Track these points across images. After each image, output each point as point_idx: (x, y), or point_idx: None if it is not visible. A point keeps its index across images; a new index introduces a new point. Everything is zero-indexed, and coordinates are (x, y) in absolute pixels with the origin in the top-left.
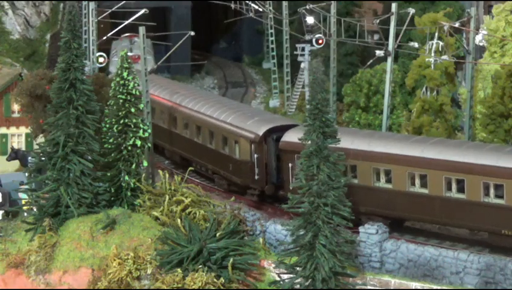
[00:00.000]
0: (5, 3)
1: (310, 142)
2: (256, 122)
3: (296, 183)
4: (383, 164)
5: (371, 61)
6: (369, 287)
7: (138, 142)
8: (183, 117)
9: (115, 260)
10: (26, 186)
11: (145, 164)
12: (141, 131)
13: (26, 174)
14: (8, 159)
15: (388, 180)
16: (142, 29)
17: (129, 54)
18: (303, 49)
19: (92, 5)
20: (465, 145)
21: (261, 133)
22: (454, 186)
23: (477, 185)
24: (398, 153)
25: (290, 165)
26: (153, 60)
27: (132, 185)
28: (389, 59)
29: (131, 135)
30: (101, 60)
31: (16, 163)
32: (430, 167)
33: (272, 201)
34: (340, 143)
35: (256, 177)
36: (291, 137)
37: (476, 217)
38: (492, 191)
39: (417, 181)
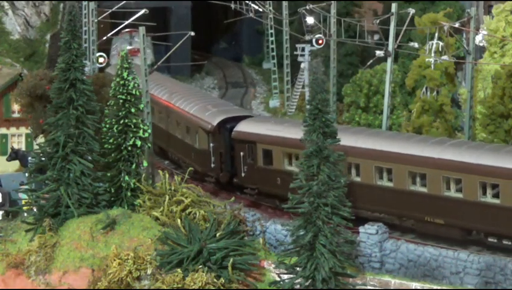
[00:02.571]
0: (5, 4)
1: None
2: (213, 113)
3: (296, 184)
4: None
5: (371, 61)
6: (369, 288)
7: (138, 143)
8: (159, 109)
9: (115, 260)
10: (26, 187)
11: (145, 164)
12: (141, 131)
13: (26, 174)
14: (8, 159)
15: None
16: (142, 30)
17: (128, 47)
18: (303, 49)
19: (92, 5)
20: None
21: (215, 123)
22: (385, 175)
23: (403, 174)
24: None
25: (241, 154)
26: (151, 53)
27: (132, 185)
28: (389, 59)
29: (131, 135)
30: (101, 60)
31: (16, 163)
32: (363, 157)
33: (230, 188)
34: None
35: (212, 165)
36: (244, 127)
37: (403, 205)
38: (418, 180)
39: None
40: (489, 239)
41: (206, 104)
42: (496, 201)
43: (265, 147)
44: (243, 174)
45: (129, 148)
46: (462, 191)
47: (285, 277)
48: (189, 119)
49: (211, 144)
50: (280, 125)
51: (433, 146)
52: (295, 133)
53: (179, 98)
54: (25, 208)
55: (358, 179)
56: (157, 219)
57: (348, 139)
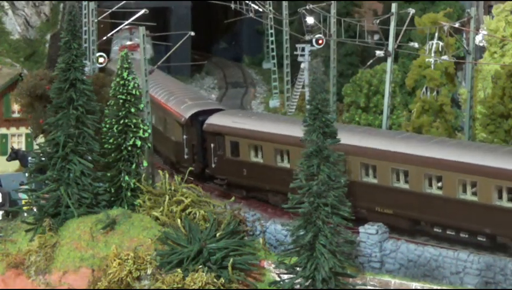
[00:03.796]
0: (5, 4)
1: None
2: (188, 106)
3: (296, 184)
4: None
5: (371, 61)
6: (369, 288)
7: (138, 143)
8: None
9: (115, 260)
10: (26, 187)
11: (145, 164)
12: (141, 131)
13: (26, 174)
14: (8, 159)
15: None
16: (142, 30)
17: (128, 42)
18: (303, 49)
19: (92, 5)
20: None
21: (187, 116)
22: None
23: (356, 166)
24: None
25: (212, 145)
26: (151, 48)
27: (132, 185)
28: (389, 59)
29: (131, 135)
30: (101, 60)
31: (16, 163)
32: None
33: (203, 179)
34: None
35: (185, 156)
36: (214, 120)
37: (357, 196)
38: (370, 171)
39: None
40: (435, 229)
41: (185, 97)
42: (439, 192)
43: (232, 139)
44: (213, 165)
45: (129, 148)
46: (408, 183)
47: (285, 277)
48: (167, 112)
49: (184, 136)
50: (247, 118)
51: (383, 138)
52: (260, 125)
53: (162, 91)
54: (25, 208)
55: None
56: (157, 219)
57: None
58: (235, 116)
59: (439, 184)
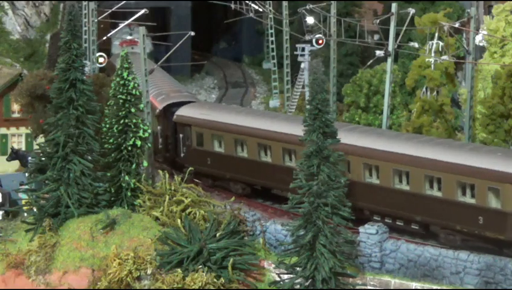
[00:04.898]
0: (5, 4)
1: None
2: (163, 98)
3: (296, 184)
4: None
5: (371, 61)
6: (369, 288)
7: (138, 143)
8: None
9: (115, 260)
10: (26, 187)
11: (145, 164)
12: (141, 131)
13: (26, 174)
14: (8, 159)
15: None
16: (142, 30)
17: (128, 37)
18: (303, 49)
19: (92, 5)
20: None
21: (161, 107)
22: (287, 157)
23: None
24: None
25: (181, 136)
26: (150, 43)
27: (132, 185)
28: (389, 59)
29: (131, 135)
30: (101, 60)
31: (16, 163)
32: (273, 139)
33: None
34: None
35: (159, 146)
36: (183, 111)
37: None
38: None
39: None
40: (375, 217)
41: (164, 90)
42: (377, 182)
43: (198, 130)
44: (182, 155)
45: (129, 148)
46: (350, 173)
47: (285, 277)
48: (152, 105)
49: (159, 127)
50: (212, 110)
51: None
52: (222, 117)
53: (152, 85)
54: (25, 208)
55: (267, 159)
56: (157, 219)
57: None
58: (202, 108)
59: (377, 174)
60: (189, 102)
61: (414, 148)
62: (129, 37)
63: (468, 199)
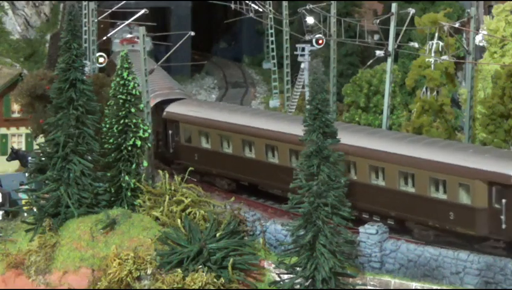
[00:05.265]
0: (5, 4)
1: None
2: (156, 95)
3: (296, 184)
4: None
5: (371, 61)
6: (369, 288)
7: (138, 143)
8: None
9: (115, 260)
10: (26, 187)
11: (145, 164)
12: (141, 131)
13: (26, 174)
14: (8, 159)
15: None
16: (142, 30)
17: (128, 35)
18: (303, 49)
19: (92, 5)
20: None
21: (152, 104)
22: (269, 153)
23: (284, 152)
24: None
25: (170, 132)
26: (150, 41)
27: (132, 185)
28: (389, 59)
29: (131, 135)
30: (101, 60)
31: (16, 163)
32: (256, 135)
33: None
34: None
35: (152, 142)
36: (172, 108)
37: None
38: (294, 157)
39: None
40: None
41: (157, 86)
42: (354, 178)
43: (186, 126)
44: (171, 151)
45: (129, 148)
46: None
47: (285, 277)
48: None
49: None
50: (200, 107)
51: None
52: (209, 114)
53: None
54: (25, 208)
55: (251, 155)
56: (157, 219)
57: (239, 119)
58: (191, 105)
59: (355, 171)
60: (180, 99)
61: (389, 144)
62: (129, 35)
63: (440, 195)
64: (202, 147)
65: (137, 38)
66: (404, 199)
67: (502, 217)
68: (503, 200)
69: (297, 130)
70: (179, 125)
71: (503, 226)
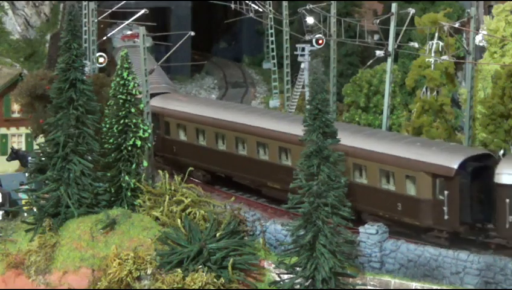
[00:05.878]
0: (5, 4)
1: None
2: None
3: (296, 184)
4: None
5: (371, 61)
6: (369, 288)
7: (138, 143)
8: None
9: (115, 260)
10: (26, 187)
11: (145, 164)
12: (141, 131)
13: (26, 174)
14: (8, 159)
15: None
16: (142, 30)
17: (128, 32)
18: (303, 49)
19: (92, 5)
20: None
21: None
22: (240, 146)
23: (253, 145)
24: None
25: (152, 125)
26: (150, 38)
27: (132, 185)
28: (389, 59)
29: (131, 135)
30: (101, 60)
31: (16, 163)
32: (227, 128)
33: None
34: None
35: None
36: (156, 102)
37: (255, 172)
38: (262, 150)
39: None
40: None
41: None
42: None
43: (166, 119)
44: (153, 143)
45: (129, 148)
46: (290, 160)
47: (285, 277)
48: None
49: None
50: (180, 101)
51: (270, 118)
52: (186, 107)
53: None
54: (25, 208)
55: (223, 148)
56: (157, 219)
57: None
58: (172, 99)
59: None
60: (164, 93)
61: (347, 139)
62: (129, 32)
63: (390, 187)
64: (180, 140)
65: (137, 34)
66: (359, 190)
67: (445, 208)
68: (446, 192)
69: (263, 123)
70: (159, 119)
71: (446, 217)
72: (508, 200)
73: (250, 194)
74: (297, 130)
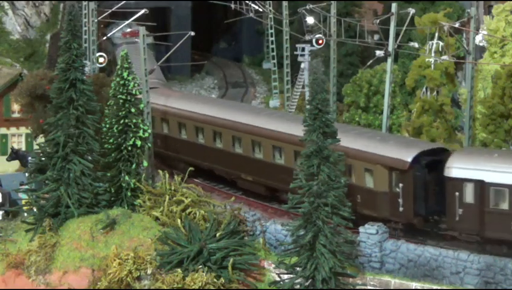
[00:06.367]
0: (5, 4)
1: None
2: None
3: (296, 184)
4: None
5: (371, 61)
6: (369, 288)
7: (138, 143)
8: None
9: (115, 260)
10: (26, 187)
11: (145, 164)
12: (141, 131)
13: (26, 174)
14: (8, 159)
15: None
16: (142, 30)
17: (128, 30)
18: (303, 49)
19: (92, 5)
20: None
21: None
22: (218, 139)
23: (228, 138)
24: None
25: None
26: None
27: (132, 185)
28: (389, 59)
29: (131, 135)
30: (101, 60)
31: (16, 163)
32: (205, 122)
33: None
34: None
35: None
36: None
37: (230, 164)
38: (237, 143)
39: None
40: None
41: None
42: (281, 162)
43: (152, 113)
44: None
45: (129, 148)
46: (262, 154)
47: (285, 276)
48: None
49: None
50: (165, 96)
51: (249, 114)
52: (171, 102)
53: None
54: (25, 208)
55: (202, 141)
56: (157, 219)
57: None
58: (158, 93)
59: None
60: (152, 88)
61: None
62: (129, 29)
63: (350, 179)
64: (163, 133)
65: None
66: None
67: (400, 200)
68: (401, 185)
69: (239, 117)
70: None
71: (401, 209)
72: (457, 194)
73: (250, 194)
74: (269, 124)
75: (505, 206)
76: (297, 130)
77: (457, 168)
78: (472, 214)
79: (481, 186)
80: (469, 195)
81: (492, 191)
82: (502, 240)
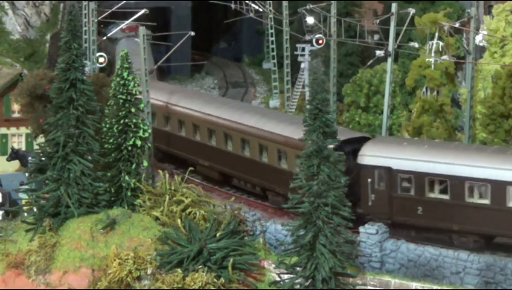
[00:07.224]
0: (5, 4)
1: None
2: None
3: (296, 184)
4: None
5: (371, 61)
6: (369, 288)
7: (138, 142)
8: None
9: (115, 260)
10: (26, 187)
11: (145, 164)
12: (141, 131)
13: (26, 174)
14: (8, 159)
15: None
16: (142, 30)
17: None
18: (303, 49)
19: (92, 5)
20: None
21: None
22: (198, 132)
23: (204, 131)
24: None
25: None
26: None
27: (132, 185)
28: (389, 59)
29: (131, 135)
30: (101, 60)
31: (16, 163)
32: (187, 116)
33: None
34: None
35: None
36: None
37: (206, 157)
38: (214, 136)
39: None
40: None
41: None
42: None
43: None
44: None
45: (129, 148)
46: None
47: (285, 276)
48: None
49: None
50: (157, 90)
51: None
52: (159, 96)
53: None
54: (25, 208)
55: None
56: (157, 218)
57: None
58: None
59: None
60: None
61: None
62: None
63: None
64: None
65: (136, 27)
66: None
67: None
68: None
69: (214, 111)
70: None
71: None
72: (369, 180)
73: (250, 194)
74: (241, 118)
75: (411, 192)
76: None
77: (369, 156)
78: (382, 200)
79: (389, 173)
80: (379, 181)
81: (399, 177)
82: (410, 225)
